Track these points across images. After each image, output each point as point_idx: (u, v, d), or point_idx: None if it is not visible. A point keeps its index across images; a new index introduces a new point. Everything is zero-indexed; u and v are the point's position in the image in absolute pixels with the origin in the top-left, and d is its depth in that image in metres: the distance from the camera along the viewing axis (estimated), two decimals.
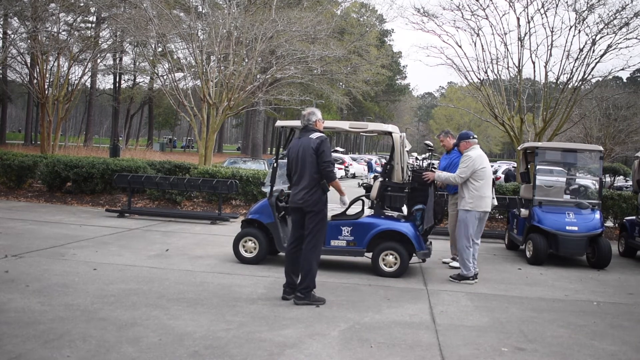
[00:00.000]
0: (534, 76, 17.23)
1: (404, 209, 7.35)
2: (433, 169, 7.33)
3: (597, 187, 9.49)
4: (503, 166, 36.76)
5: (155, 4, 17.09)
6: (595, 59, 15.68)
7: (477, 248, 7.00)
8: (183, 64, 21.90)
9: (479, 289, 6.51)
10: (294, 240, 5.66)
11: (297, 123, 7.48)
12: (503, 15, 22.10)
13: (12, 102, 54.91)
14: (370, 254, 6.97)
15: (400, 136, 7.03)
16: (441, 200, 7.25)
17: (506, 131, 16.81)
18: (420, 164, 7.50)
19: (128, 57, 41.03)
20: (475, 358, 4.24)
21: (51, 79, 19.44)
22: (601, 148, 9.15)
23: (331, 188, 5.56)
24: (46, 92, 18.92)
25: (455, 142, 7.28)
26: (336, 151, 24.96)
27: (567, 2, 15.38)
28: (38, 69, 18.83)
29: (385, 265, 6.85)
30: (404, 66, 72.62)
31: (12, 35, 21.46)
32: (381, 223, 6.93)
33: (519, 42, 16.13)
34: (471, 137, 7.02)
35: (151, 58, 23.45)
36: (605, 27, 15.25)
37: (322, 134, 5.52)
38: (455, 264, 7.81)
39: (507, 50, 16.75)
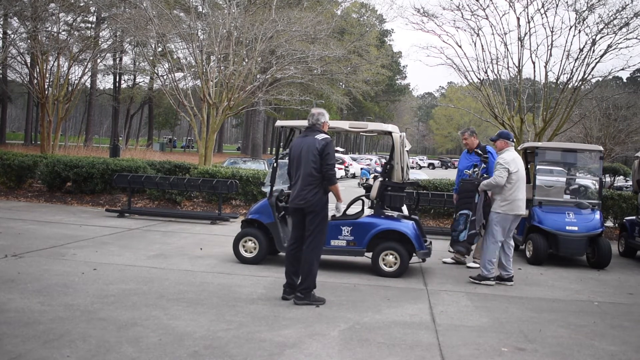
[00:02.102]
0: (534, 76, 17.22)
1: (404, 208, 7.35)
2: (484, 177, 7.14)
3: (597, 187, 9.49)
4: None
5: (155, 4, 17.09)
6: (595, 59, 15.67)
7: (512, 250, 6.93)
8: (183, 64, 21.91)
9: (479, 289, 6.51)
10: (294, 241, 5.62)
11: (297, 123, 7.50)
12: (503, 15, 22.09)
13: (12, 102, 54.93)
14: (370, 254, 6.97)
15: (400, 136, 7.03)
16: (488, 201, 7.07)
17: None
18: (471, 173, 7.38)
19: (128, 57, 41.10)
20: (475, 358, 4.24)
21: (51, 79, 19.44)
22: (601, 148, 9.16)
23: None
24: (46, 92, 18.93)
25: (494, 137, 7.13)
26: (336, 151, 25.08)
27: (567, 2, 15.38)
28: (38, 69, 18.84)
29: (385, 265, 6.85)
30: (404, 66, 72.70)
31: (12, 35, 21.48)
32: (381, 223, 6.93)
33: (519, 42, 16.12)
34: (510, 139, 6.96)
35: (151, 58, 23.45)
36: (605, 27, 15.24)
37: (327, 136, 5.47)
38: (473, 264, 7.80)
39: (507, 50, 16.74)
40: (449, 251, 8.08)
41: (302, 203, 5.40)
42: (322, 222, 5.48)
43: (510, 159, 6.78)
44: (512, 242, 6.97)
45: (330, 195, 5.56)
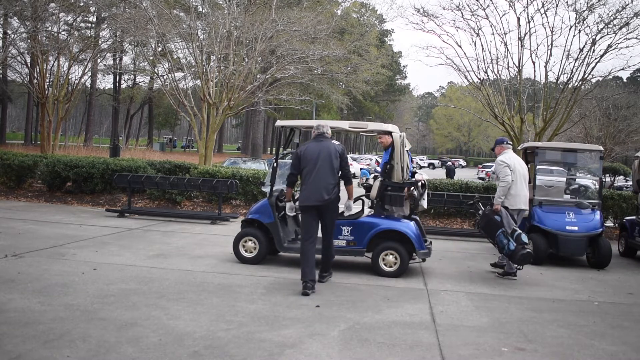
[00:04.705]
0: (534, 76, 17.23)
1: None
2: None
3: (597, 187, 9.48)
4: None
5: (155, 3, 17.10)
6: (595, 59, 15.68)
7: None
8: (183, 64, 21.90)
9: (479, 289, 6.51)
10: (310, 236, 6.05)
11: (297, 123, 7.52)
12: (503, 15, 22.14)
13: (12, 102, 54.91)
14: (370, 254, 6.97)
15: (400, 136, 7.03)
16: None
17: (506, 131, 16.80)
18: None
19: (128, 57, 41.05)
20: (475, 358, 4.24)
21: (51, 79, 19.44)
22: (601, 148, 9.15)
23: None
24: (46, 92, 18.93)
25: (492, 147, 7.80)
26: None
27: (567, 2, 15.38)
28: (38, 69, 18.84)
29: (385, 265, 6.85)
30: (404, 66, 72.60)
31: (12, 35, 21.46)
32: (381, 223, 6.93)
33: (519, 42, 16.13)
34: (505, 143, 7.61)
35: (151, 58, 23.44)
36: (605, 27, 15.25)
37: (339, 143, 6.22)
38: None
39: (507, 50, 16.78)
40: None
41: (326, 198, 5.97)
42: (337, 216, 6.32)
43: (507, 158, 7.31)
44: None
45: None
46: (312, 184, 5.98)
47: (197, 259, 7.35)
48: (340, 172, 6.12)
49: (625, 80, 59.49)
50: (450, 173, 28.24)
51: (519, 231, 6.88)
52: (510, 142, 7.67)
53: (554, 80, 17.63)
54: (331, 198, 6.01)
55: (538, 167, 8.96)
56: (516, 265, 7.03)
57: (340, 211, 6.35)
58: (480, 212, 7.37)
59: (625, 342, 4.83)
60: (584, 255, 8.53)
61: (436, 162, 69.38)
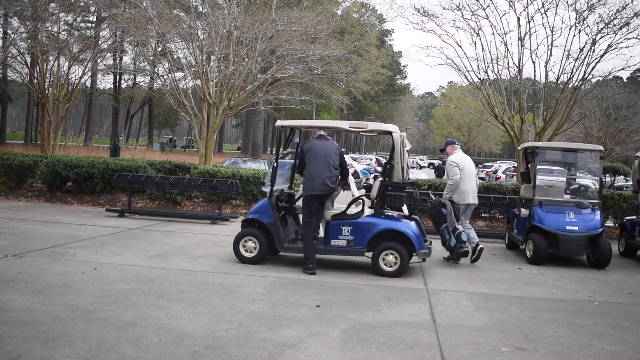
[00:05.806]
0: (534, 76, 17.22)
1: (404, 208, 7.35)
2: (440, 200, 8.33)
3: (597, 187, 9.48)
4: (503, 166, 36.80)
5: (155, 3, 17.11)
6: (596, 58, 15.68)
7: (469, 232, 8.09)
8: (183, 64, 21.90)
9: (479, 289, 6.51)
10: (313, 223, 6.95)
11: (297, 123, 7.54)
12: (503, 15, 22.17)
13: (12, 102, 54.89)
14: (370, 254, 6.97)
15: (401, 136, 7.03)
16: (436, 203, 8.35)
17: (506, 131, 16.81)
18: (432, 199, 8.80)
19: (128, 57, 41.00)
20: (475, 358, 4.24)
21: (51, 79, 19.44)
22: (601, 148, 9.15)
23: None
24: (46, 92, 18.93)
25: (442, 147, 8.57)
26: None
27: (567, 1, 15.39)
28: (38, 69, 18.84)
29: (385, 265, 6.85)
30: (404, 66, 72.52)
31: (12, 35, 21.48)
32: (381, 223, 6.93)
33: (519, 42, 16.13)
34: (455, 143, 8.46)
35: (151, 58, 23.44)
36: (606, 26, 15.25)
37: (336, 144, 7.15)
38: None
39: (507, 50, 16.77)
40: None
41: (330, 187, 6.80)
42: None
43: (457, 158, 8.11)
44: (467, 228, 8.08)
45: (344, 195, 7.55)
46: (318, 175, 6.73)
47: (197, 258, 7.35)
48: (339, 168, 6.98)
49: (625, 80, 59.47)
50: (440, 172, 28.31)
51: (460, 229, 7.86)
52: (459, 143, 8.65)
53: (554, 80, 17.65)
54: (333, 187, 6.91)
55: (538, 167, 8.95)
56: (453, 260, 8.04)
57: (332, 213, 7.13)
58: (431, 201, 8.36)
59: (625, 342, 4.83)
60: (584, 255, 8.53)
61: (436, 162, 69.40)
